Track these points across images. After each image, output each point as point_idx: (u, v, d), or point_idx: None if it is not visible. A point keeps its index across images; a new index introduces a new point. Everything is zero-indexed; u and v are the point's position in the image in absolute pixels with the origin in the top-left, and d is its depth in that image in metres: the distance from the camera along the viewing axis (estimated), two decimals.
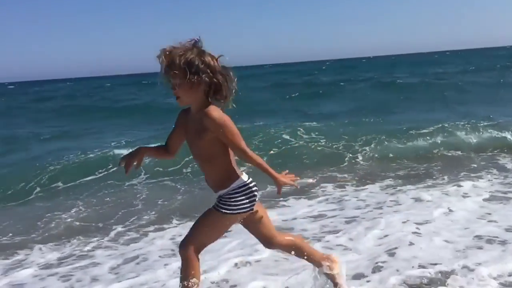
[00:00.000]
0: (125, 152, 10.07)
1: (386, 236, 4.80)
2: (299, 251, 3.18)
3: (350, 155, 9.71)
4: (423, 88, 22.10)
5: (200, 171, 9.68)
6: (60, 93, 41.52)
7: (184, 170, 9.01)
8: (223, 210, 2.86)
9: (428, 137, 10.45)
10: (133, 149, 2.94)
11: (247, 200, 2.89)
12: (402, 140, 10.39)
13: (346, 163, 9.28)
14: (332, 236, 4.92)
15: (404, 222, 5.19)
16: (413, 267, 3.96)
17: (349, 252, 4.41)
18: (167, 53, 2.63)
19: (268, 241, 3.10)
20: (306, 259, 3.22)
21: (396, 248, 4.43)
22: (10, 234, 5.95)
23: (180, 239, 5.06)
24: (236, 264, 4.20)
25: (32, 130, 16.56)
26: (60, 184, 8.48)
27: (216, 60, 2.76)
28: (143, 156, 2.91)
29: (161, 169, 9.04)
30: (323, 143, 10.56)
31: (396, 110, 15.97)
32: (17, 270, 4.63)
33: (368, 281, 3.77)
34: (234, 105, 2.88)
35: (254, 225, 3.04)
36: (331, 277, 3.24)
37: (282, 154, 10.08)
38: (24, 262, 4.93)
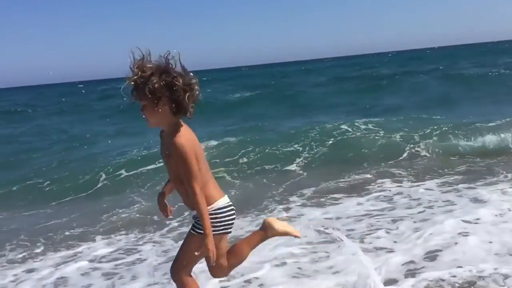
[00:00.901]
0: None
1: (431, 238, 4.66)
2: (245, 255, 3.12)
3: (410, 147, 9.44)
4: (492, 80, 20.96)
5: (254, 162, 9.84)
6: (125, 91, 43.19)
7: (240, 161, 9.23)
8: (201, 231, 2.81)
9: (495, 132, 9.88)
10: (157, 198, 3.02)
11: (222, 224, 2.85)
12: (467, 134, 9.93)
13: (405, 157, 9.05)
14: (375, 238, 4.84)
15: (453, 223, 4.99)
16: (449, 272, 3.85)
17: (389, 255, 4.32)
18: (131, 75, 2.59)
19: (218, 271, 3.06)
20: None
21: (439, 250, 4.32)
22: (76, 227, 6.31)
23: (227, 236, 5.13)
24: (272, 265, 4.23)
25: (98, 127, 17.42)
26: (123, 172, 8.94)
27: (181, 75, 2.63)
28: (163, 200, 2.99)
29: (218, 160, 9.22)
30: (381, 134, 10.36)
31: (462, 103, 15.27)
32: (68, 264, 4.90)
33: None
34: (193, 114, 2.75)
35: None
36: (285, 234, 3.18)
37: (338, 145, 10.02)
38: (81, 254, 5.21)
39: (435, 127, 10.28)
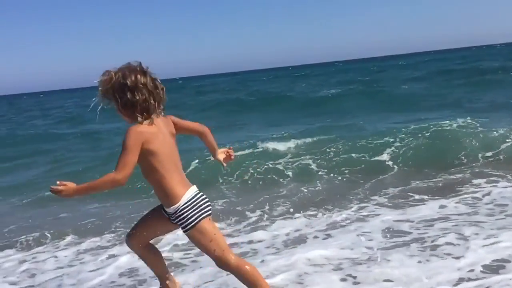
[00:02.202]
0: (271, 145, 10.48)
1: (501, 248, 4.31)
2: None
3: None
4: None
5: (343, 154, 9.57)
6: (219, 86, 44.64)
7: (328, 150, 9.26)
8: (185, 229, 3.02)
9: None
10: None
11: (194, 214, 2.99)
12: None
13: (507, 156, 8.36)
14: (443, 244, 4.58)
15: None
16: (498, 283, 3.59)
17: (450, 263, 4.09)
18: (99, 81, 2.91)
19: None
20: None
21: (507, 261, 4.02)
22: None
23: (296, 234, 5.35)
24: (329, 268, 4.20)
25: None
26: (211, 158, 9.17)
27: (143, 78, 2.86)
28: (216, 157, 3.52)
29: (304, 152, 9.43)
30: (484, 130, 9.70)
31: None
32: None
33: None
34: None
35: (154, 231, 3.30)
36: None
37: (435, 141, 9.51)
38: (163, 243, 5.38)
39: None
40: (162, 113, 3.03)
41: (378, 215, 5.80)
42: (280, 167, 8.62)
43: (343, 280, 3.92)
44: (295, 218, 6.06)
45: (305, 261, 4.33)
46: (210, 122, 17.58)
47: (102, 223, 6.61)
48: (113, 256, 5.16)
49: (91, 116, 26.06)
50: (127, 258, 4.93)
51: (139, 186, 8.59)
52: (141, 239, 3.30)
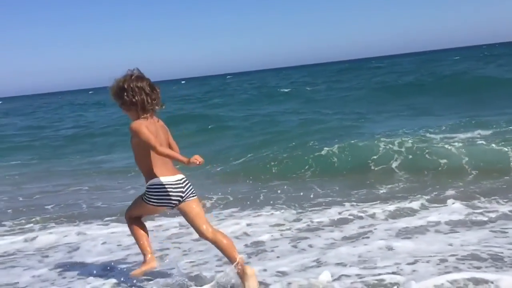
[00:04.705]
0: (449, 131, 9.88)
1: None
2: (220, 248, 3.70)
3: None
4: None
5: None
6: (398, 67, 42.45)
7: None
8: (144, 198, 3.71)
9: None
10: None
11: (159, 197, 3.62)
12: None
13: None
14: None
15: None
16: None
17: None
18: (109, 88, 3.67)
19: (198, 233, 3.72)
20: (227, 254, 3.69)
21: None
22: (329, 198, 6.88)
23: (425, 224, 5.21)
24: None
25: (367, 109, 17.63)
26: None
27: (140, 83, 3.56)
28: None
29: (488, 140, 8.83)
30: None
31: None
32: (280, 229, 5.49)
33: None
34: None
35: (186, 217, 3.73)
36: None
37: None
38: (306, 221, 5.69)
39: None
40: (159, 109, 3.71)
41: None
42: (456, 152, 8.24)
43: (439, 275, 3.71)
44: (443, 207, 5.85)
45: (408, 254, 4.24)
46: (375, 105, 17.05)
47: (233, 199, 7.04)
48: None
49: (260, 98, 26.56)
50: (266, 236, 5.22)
51: (276, 168, 8.93)
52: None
